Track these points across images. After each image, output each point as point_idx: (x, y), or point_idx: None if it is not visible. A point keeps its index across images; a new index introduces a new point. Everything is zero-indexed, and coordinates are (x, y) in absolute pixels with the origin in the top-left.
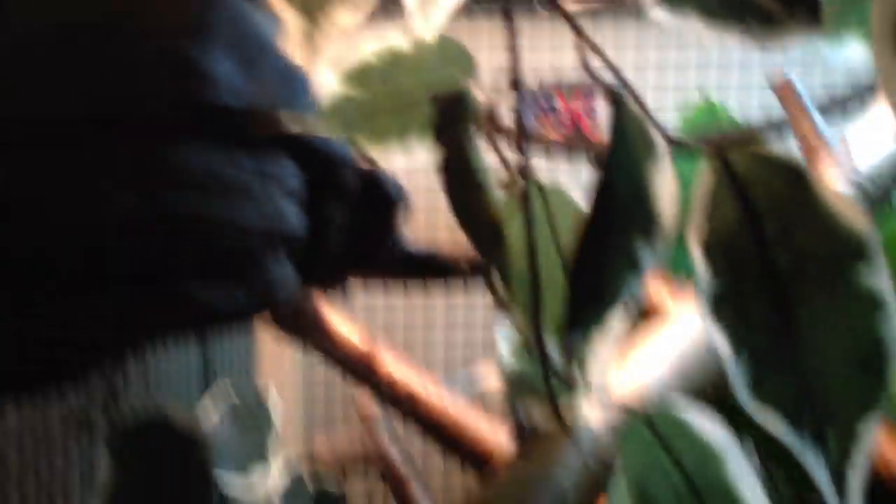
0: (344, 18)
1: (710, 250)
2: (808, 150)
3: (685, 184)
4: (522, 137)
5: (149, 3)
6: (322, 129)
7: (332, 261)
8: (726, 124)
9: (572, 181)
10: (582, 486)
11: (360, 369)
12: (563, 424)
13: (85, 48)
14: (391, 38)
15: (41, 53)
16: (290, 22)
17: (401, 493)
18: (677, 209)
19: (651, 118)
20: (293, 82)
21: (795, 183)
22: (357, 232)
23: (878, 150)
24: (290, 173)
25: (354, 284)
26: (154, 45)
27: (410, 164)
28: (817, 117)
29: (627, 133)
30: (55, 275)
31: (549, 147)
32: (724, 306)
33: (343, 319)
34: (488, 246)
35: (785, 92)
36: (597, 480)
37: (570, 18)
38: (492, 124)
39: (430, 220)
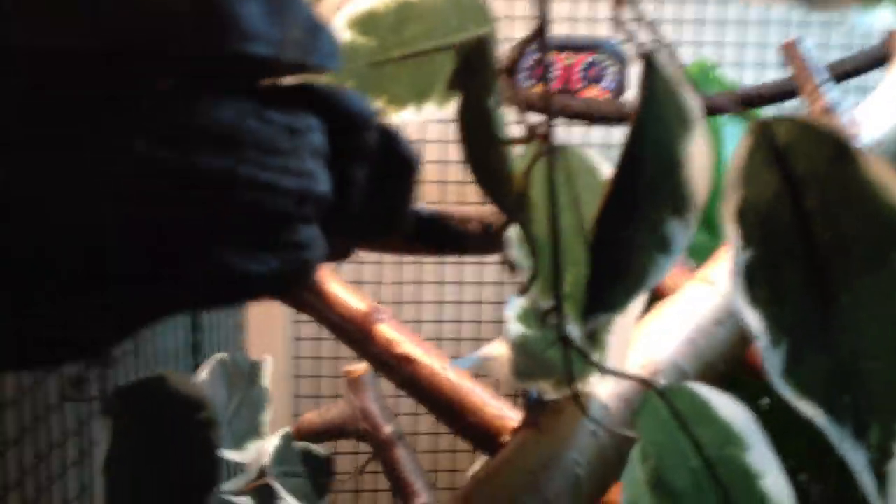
0: None
1: (745, 220)
2: (812, 112)
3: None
4: (548, 94)
5: None
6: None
7: (351, 226)
8: (716, 85)
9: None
10: (596, 468)
11: (355, 333)
12: (578, 400)
13: None
14: None
15: None
16: None
17: (384, 452)
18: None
19: (687, 81)
20: (319, 33)
21: (840, 157)
22: (376, 196)
23: (889, 120)
24: (315, 128)
25: (363, 255)
26: None
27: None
28: (824, 78)
29: (658, 98)
30: (55, 275)
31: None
32: (758, 279)
33: (341, 283)
34: (507, 201)
35: (791, 52)
36: (611, 462)
37: None
38: (510, 79)
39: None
